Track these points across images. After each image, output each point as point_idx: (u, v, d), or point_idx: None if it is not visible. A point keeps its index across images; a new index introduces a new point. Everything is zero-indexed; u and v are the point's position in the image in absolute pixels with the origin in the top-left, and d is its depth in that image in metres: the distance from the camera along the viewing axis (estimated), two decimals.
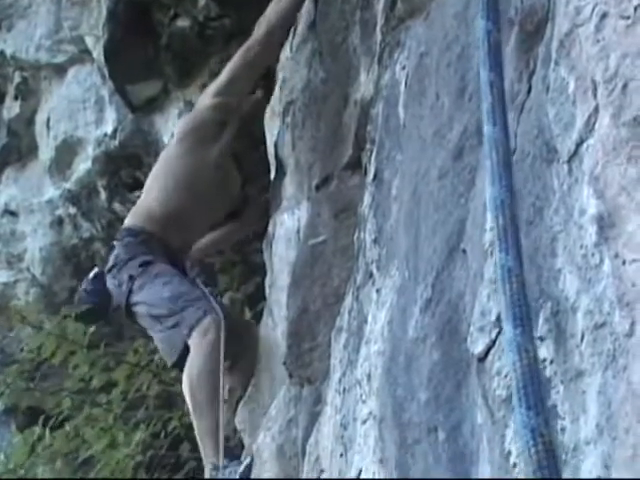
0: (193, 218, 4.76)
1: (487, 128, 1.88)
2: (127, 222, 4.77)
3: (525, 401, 1.48)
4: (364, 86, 3.82)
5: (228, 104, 4.75)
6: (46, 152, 6.50)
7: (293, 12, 4.53)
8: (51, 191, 6.60)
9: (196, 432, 4.32)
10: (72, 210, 6.50)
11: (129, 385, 5.92)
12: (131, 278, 4.51)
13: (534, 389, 1.46)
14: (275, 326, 4.24)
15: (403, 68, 3.09)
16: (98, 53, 5.87)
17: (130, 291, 4.51)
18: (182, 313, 4.35)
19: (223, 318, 4.31)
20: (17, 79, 6.56)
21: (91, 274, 4.74)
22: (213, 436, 4.18)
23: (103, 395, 6.15)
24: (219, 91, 4.71)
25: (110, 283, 4.61)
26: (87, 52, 6.05)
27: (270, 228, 4.54)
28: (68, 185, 6.43)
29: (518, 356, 1.49)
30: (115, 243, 4.72)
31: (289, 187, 4.45)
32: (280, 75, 4.64)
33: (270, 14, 4.54)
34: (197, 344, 4.27)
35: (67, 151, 6.34)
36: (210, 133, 4.73)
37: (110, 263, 4.66)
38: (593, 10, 1.80)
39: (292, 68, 4.52)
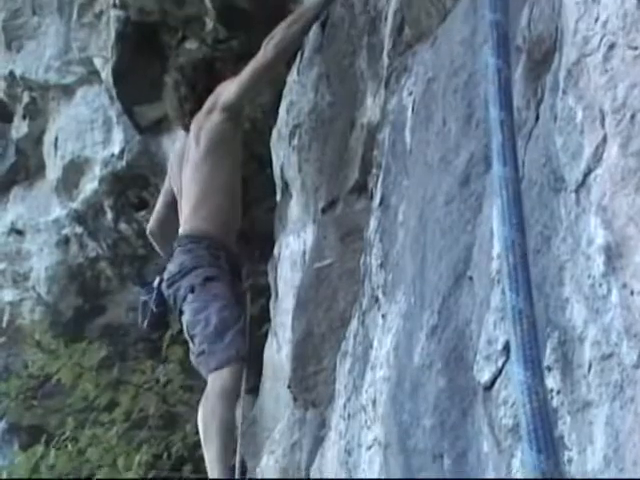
0: (237, 221, 4.88)
1: (497, 167, 1.87)
2: (185, 230, 4.78)
3: (536, 444, 1.47)
4: (371, 110, 3.83)
5: (237, 111, 4.82)
6: (53, 172, 6.53)
7: (302, 34, 4.56)
8: (58, 210, 6.61)
9: (205, 458, 4.36)
10: (78, 229, 6.52)
11: (133, 405, 5.92)
12: (192, 289, 4.53)
13: (544, 432, 1.45)
14: (280, 349, 4.24)
15: (410, 94, 3.10)
16: (106, 74, 5.91)
17: (185, 298, 4.53)
18: (215, 346, 4.40)
19: (248, 353, 4.37)
20: (26, 99, 6.59)
21: (156, 282, 4.75)
22: (221, 463, 4.23)
23: (106, 414, 6.14)
24: (227, 106, 4.76)
25: (168, 290, 4.63)
26: (95, 73, 6.08)
27: (276, 250, 4.55)
28: (75, 205, 6.45)
29: (528, 398, 1.49)
30: (177, 250, 4.73)
31: (295, 210, 4.45)
32: (287, 98, 4.66)
33: (279, 35, 4.56)
34: (216, 386, 4.36)
35: (74, 171, 6.37)
36: (230, 139, 4.82)
37: (174, 270, 4.66)
38: (601, 40, 1.80)
39: (299, 91, 4.53)
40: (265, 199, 5.17)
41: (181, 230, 4.80)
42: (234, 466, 4.23)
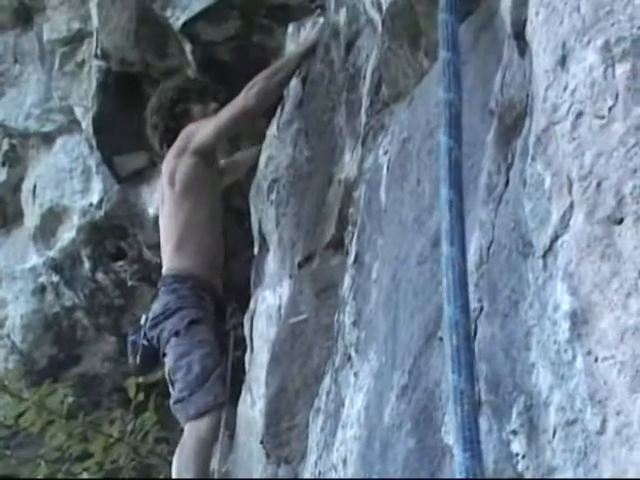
0: (221, 259, 4.89)
1: (445, 247, 1.90)
2: (169, 270, 4.77)
3: None
4: (348, 166, 3.86)
5: (210, 153, 4.86)
6: (31, 219, 6.51)
7: (282, 86, 4.61)
8: (35, 258, 6.58)
9: None
10: (55, 278, 6.48)
11: (105, 456, 5.86)
12: (177, 333, 4.51)
13: None
14: (253, 404, 4.22)
15: (386, 153, 3.13)
16: (87, 124, 5.92)
17: (168, 341, 4.51)
18: (195, 395, 4.38)
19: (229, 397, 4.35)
20: (5, 146, 6.59)
21: (142, 320, 4.72)
22: None
23: (79, 465, 6.08)
24: (200, 149, 4.78)
25: (152, 331, 4.60)
26: (76, 122, 6.10)
27: (252, 304, 4.55)
28: (52, 253, 6.42)
29: None
30: (162, 289, 4.71)
31: (272, 264, 4.46)
32: (266, 152, 4.68)
33: (260, 84, 4.60)
34: (193, 437, 4.34)
35: (52, 219, 6.35)
36: (206, 179, 4.82)
37: (158, 310, 4.63)
38: (569, 108, 1.83)
39: (278, 146, 4.56)
40: (243, 252, 5.18)
41: (164, 270, 4.80)
42: None
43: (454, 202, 1.96)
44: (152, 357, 4.64)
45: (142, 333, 4.65)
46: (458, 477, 1.47)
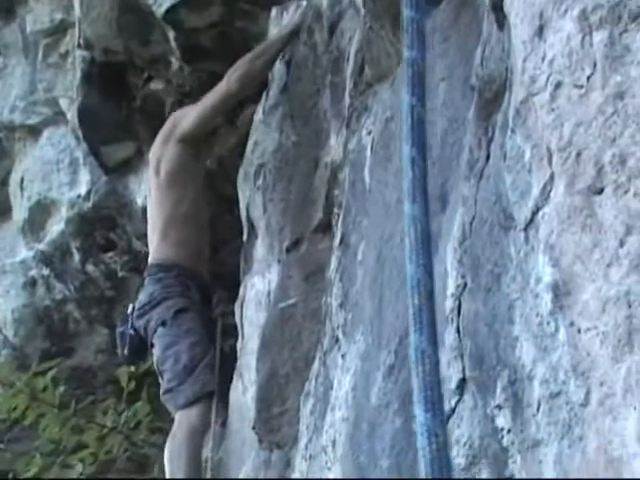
0: (206, 249, 4.88)
1: (407, 205, 1.87)
2: (154, 259, 4.75)
3: None
4: (334, 149, 3.84)
5: (196, 140, 4.80)
6: (20, 213, 6.48)
7: (265, 70, 4.58)
8: (24, 252, 6.55)
9: None
10: (45, 271, 6.46)
11: (99, 447, 5.85)
12: (163, 322, 4.50)
13: (443, 475, 1.43)
14: (245, 390, 4.20)
15: (369, 133, 3.11)
16: (72, 115, 5.89)
17: (155, 331, 4.50)
18: (184, 384, 4.37)
19: (217, 389, 4.33)
20: None
21: (129, 310, 4.70)
22: None
23: (74, 457, 6.06)
24: (184, 137, 4.75)
25: (139, 321, 4.59)
26: (61, 114, 6.07)
27: (241, 291, 4.52)
28: (41, 246, 6.39)
29: (427, 440, 1.47)
30: (147, 279, 4.69)
31: (260, 250, 4.44)
32: (252, 137, 4.66)
33: (243, 68, 4.57)
34: (183, 426, 4.33)
35: (40, 212, 6.32)
36: (191, 168, 4.80)
37: (144, 300, 4.62)
38: (548, 79, 1.81)
39: (263, 131, 4.54)
40: (234, 240, 5.15)
41: (150, 259, 4.78)
42: None
43: (416, 160, 1.93)
44: (140, 346, 4.62)
45: (129, 323, 4.63)
46: (420, 439, 1.44)
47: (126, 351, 4.66)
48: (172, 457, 4.30)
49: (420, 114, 2.00)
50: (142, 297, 4.62)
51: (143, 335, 4.57)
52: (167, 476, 4.38)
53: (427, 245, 1.79)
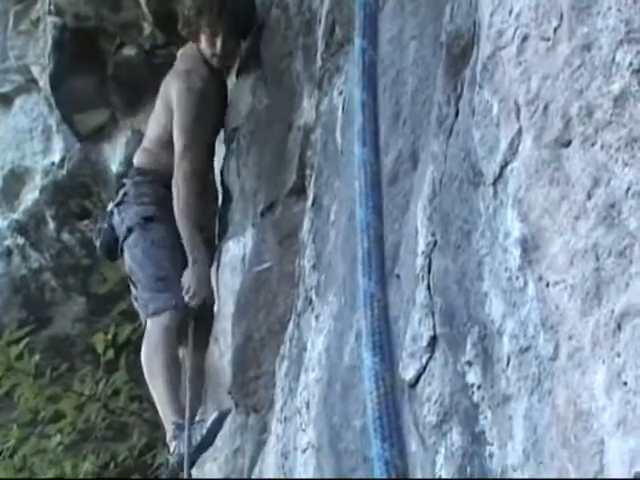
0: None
1: (357, 149, 1.85)
2: (137, 162, 4.72)
3: (380, 432, 1.43)
4: (307, 112, 3.81)
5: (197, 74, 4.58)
6: None
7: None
8: None
9: (156, 401, 4.27)
10: (20, 241, 6.41)
11: (77, 416, 5.84)
12: (130, 229, 4.49)
13: (390, 420, 1.42)
14: (221, 355, 4.20)
15: (340, 93, 3.08)
16: (44, 82, 5.83)
17: (125, 237, 4.50)
18: (154, 293, 4.38)
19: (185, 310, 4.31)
20: None
21: (109, 207, 4.68)
22: (170, 396, 4.14)
23: (52, 426, 6.06)
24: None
25: (115, 218, 4.59)
26: (33, 81, 6.00)
27: (216, 255, 4.51)
28: (16, 215, 6.35)
29: (375, 385, 1.47)
30: (126, 180, 4.69)
31: (235, 214, 4.42)
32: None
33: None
34: (156, 326, 4.30)
35: (14, 181, 6.27)
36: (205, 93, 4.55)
37: (118, 198, 4.62)
38: (515, 33, 1.80)
39: (236, 95, 4.51)
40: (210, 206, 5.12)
41: (134, 162, 4.76)
42: (184, 408, 4.12)
43: (367, 103, 1.91)
44: (113, 245, 4.61)
45: (107, 218, 4.63)
46: (367, 383, 1.43)
47: (98, 244, 4.68)
48: (149, 354, 4.26)
49: (371, 57, 1.98)
50: (119, 195, 4.62)
51: (117, 234, 4.57)
52: (146, 377, 4.32)
53: (378, 188, 1.78)
